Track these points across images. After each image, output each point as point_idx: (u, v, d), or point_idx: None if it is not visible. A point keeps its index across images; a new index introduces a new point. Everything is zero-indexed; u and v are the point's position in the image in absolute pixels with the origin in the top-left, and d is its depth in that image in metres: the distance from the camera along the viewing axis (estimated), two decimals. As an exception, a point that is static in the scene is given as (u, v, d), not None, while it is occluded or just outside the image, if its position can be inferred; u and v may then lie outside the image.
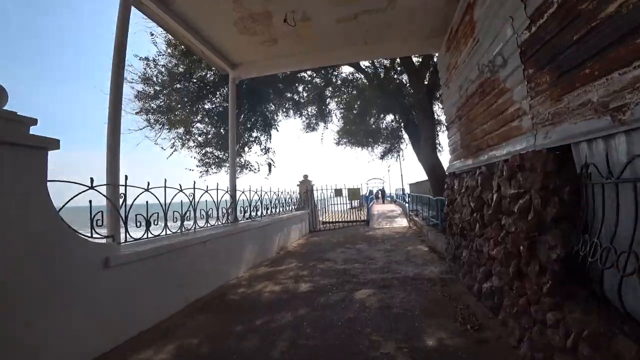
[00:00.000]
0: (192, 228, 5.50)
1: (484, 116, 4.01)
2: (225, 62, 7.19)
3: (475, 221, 4.18)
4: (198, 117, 10.56)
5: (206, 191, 5.74)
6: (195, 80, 9.52)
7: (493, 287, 3.54)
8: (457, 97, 5.13)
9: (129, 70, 8.98)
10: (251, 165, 11.39)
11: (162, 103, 9.46)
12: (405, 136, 15.08)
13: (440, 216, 8.68)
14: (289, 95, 12.82)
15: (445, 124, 6.23)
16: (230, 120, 7.42)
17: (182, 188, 5.07)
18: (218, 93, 10.49)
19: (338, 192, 13.50)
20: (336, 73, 14.67)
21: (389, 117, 14.53)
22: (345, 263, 6.72)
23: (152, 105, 9.32)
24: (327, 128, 16.88)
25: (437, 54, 6.66)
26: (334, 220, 14.23)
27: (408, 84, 12.57)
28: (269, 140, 11.20)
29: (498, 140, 3.63)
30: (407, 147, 15.35)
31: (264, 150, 11.07)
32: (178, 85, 9.38)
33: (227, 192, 6.50)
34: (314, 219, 12.99)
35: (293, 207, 11.40)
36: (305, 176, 13.57)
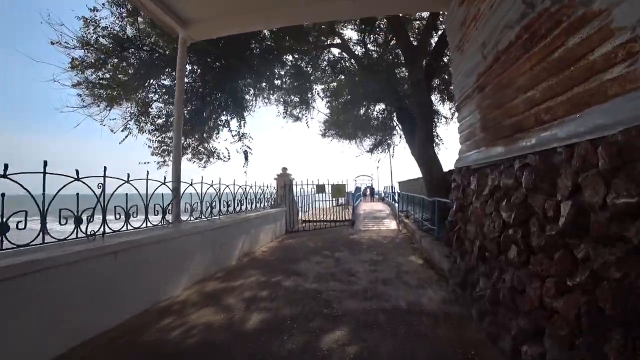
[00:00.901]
0: (100, 232, 3.92)
1: (533, 76, 2.52)
2: (174, 18, 5.55)
3: (510, 241, 2.71)
4: (155, 97, 8.89)
5: (126, 181, 4.15)
6: (147, 49, 7.84)
7: (547, 357, 2.08)
8: (476, 60, 3.65)
9: (61, 32, 7.29)
10: (219, 153, 9.76)
11: (108, 74, 7.77)
12: (398, 129, 13.70)
13: (437, 221, 7.26)
14: (267, 77, 11.22)
15: (455, 103, 4.75)
16: (178, 92, 5.79)
17: (80, 176, 3.48)
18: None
19: (320, 189, 12.00)
20: (323, 55, 13.20)
21: (380, 107, 13.07)
22: (318, 280, 5.22)
23: (94, 76, 7.63)
24: (312, 118, 15.45)
25: (444, 15, 5.16)
26: (316, 219, 12.73)
27: (403, 67, 11.10)
28: (242, 124, 9.60)
29: (565, 109, 2.15)
30: (399, 142, 13.95)
31: (237, 137, 9.46)
32: (127, 54, 7.71)
33: (163, 183, 4.91)
34: (292, 218, 11.48)
35: (266, 204, 9.86)
36: (284, 169, 12.02)
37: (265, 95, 13.44)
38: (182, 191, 5.52)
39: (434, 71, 9.38)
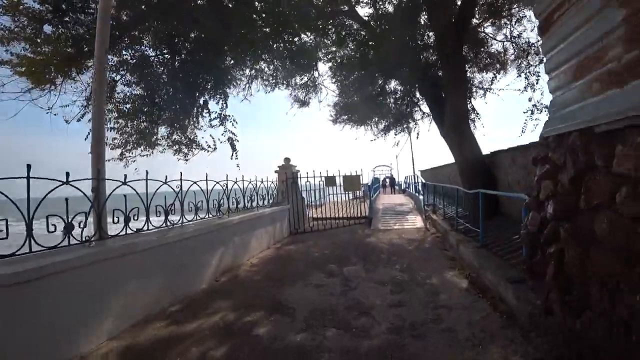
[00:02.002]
0: None
1: None
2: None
3: None
4: (117, 76, 7.15)
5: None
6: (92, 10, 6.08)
7: None
8: None
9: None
10: (200, 142, 7.93)
11: (44, 47, 6.07)
12: (420, 106, 11.61)
13: (481, 221, 5.29)
14: (263, 50, 9.33)
15: (540, 13, 2.70)
16: (99, 39, 3.94)
17: None
18: (144, 36, 7.06)
19: (330, 181, 10.10)
20: (329, 25, 11.21)
21: (398, 79, 10.98)
22: (311, 324, 3.38)
23: (24, 49, 5.94)
24: (320, 101, 13.57)
25: None
26: (327, 216, 10.87)
27: (425, 29, 8.98)
28: (224, 105, 7.73)
29: None
30: (422, 120, 11.83)
31: (218, 120, 7.62)
32: (65, 20, 5.99)
33: (65, 183, 3.14)
34: (297, 217, 9.66)
35: (261, 202, 8.08)
36: (287, 160, 10.19)
37: (265, 78, 11.63)
38: (110, 192, 3.75)
39: (467, 20, 7.24)
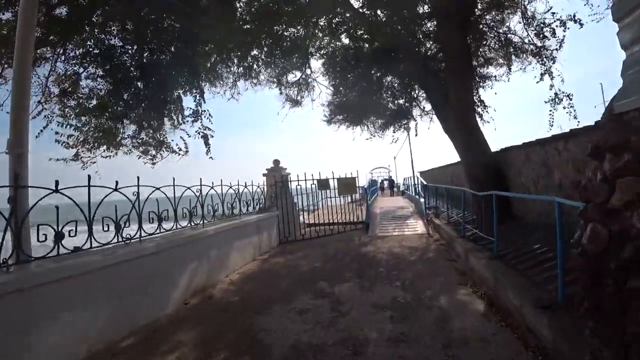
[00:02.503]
0: None
1: None
2: None
3: None
4: (80, 68, 6.36)
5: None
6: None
7: None
8: None
9: None
10: (167, 145, 7.04)
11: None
12: (420, 100, 10.87)
13: (496, 230, 4.54)
14: (250, 44, 8.57)
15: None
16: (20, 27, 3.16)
17: None
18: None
19: (322, 184, 9.33)
20: (319, 19, 10.49)
21: (395, 72, 10.25)
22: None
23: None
24: (313, 100, 12.85)
25: None
26: (322, 221, 10.09)
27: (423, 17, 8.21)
28: (200, 100, 6.92)
29: None
30: (421, 116, 11.07)
31: (192, 117, 6.81)
32: None
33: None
34: (288, 224, 8.87)
35: (245, 209, 7.30)
36: (276, 162, 9.42)
37: (253, 75, 10.91)
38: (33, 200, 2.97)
39: (468, 10, 6.49)
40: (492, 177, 6.11)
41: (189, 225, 5.16)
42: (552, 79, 6.35)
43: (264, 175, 9.29)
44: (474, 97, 6.85)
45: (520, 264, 4.09)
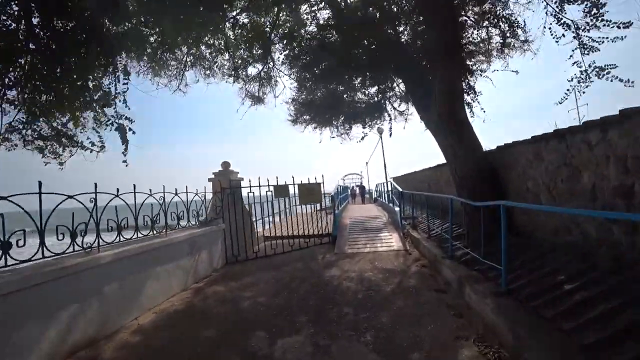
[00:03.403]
0: None
1: None
2: None
3: None
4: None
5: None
6: None
7: None
8: None
9: None
10: (78, 140, 5.37)
11: None
12: (397, 100, 9.69)
13: (504, 255, 3.21)
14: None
15: None
16: None
17: None
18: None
19: (280, 191, 7.78)
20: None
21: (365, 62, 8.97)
22: None
23: None
24: (276, 96, 11.45)
25: None
26: (285, 233, 8.59)
27: None
28: (115, 81, 5.28)
29: None
30: (394, 118, 9.87)
31: (100, 102, 5.15)
32: None
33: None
34: (238, 238, 7.31)
35: (178, 222, 5.71)
36: (226, 164, 7.85)
37: (206, 66, 9.42)
38: None
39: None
40: (486, 180, 4.87)
41: (73, 250, 3.55)
42: (585, 53, 5.00)
43: (209, 180, 7.69)
44: (463, 83, 5.56)
45: (547, 307, 2.78)
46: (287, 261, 6.62)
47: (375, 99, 9.75)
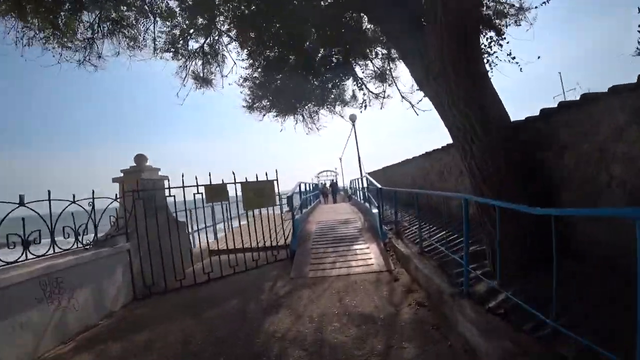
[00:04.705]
0: None
1: None
2: None
3: None
4: None
5: None
6: None
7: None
8: None
9: None
10: None
11: None
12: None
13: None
14: None
15: None
16: None
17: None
18: None
19: (214, 194, 5.50)
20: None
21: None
22: None
23: None
24: (224, 76, 9.45)
25: None
26: (235, 245, 6.44)
27: None
28: None
29: None
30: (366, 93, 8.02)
31: None
32: None
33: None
34: (166, 259, 5.15)
35: (27, 247, 3.51)
36: (140, 158, 5.65)
37: (128, 34, 7.32)
38: None
39: None
40: (521, 169, 2.96)
41: None
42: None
43: (115, 180, 5.47)
44: (481, 11, 3.58)
45: None
46: (221, 295, 4.55)
47: (344, 73, 7.80)
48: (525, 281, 2.71)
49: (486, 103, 2.97)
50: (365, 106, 8.50)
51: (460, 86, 2.94)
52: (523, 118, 3.34)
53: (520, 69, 4.75)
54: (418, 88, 3.75)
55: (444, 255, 4.07)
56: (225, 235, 7.81)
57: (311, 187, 14.95)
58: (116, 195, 4.91)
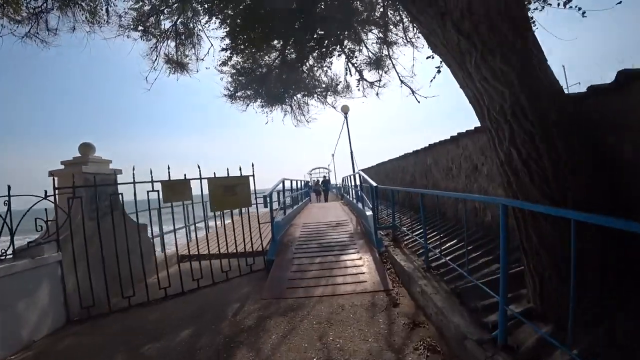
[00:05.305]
0: None
1: None
2: None
3: None
4: None
5: None
6: None
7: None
8: None
9: None
10: None
11: None
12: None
13: None
14: None
15: None
16: None
17: None
18: None
19: (172, 191, 4.53)
20: None
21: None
22: None
23: None
24: (201, 59, 8.54)
25: None
26: (213, 251, 5.43)
27: None
28: None
29: None
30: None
31: None
32: None
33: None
34: (110, 271, 4.17)
35: None
36: (86, 148, 4.64)
37: (86, 7, 6.31)
38: None
39: None
40: (589, 158, 2.03)
41: None
42: None
43: (51, 174, 4.45)
44: None
45: None
46: (172, 320, 3.58)
47: (336, 53, 6.88)
48: (597, 331, 1.79)
49: (534, 62, 2.03)
50: (360, 90, 7.63)
51: (496, 33, 2.00)
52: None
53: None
54: (429, 46, 2.79)
55: (458, 275, 3.15)
56: (196, 238, 6.80)
57: (301, 185, 13.97)
58: (45, 192, 3.90)
